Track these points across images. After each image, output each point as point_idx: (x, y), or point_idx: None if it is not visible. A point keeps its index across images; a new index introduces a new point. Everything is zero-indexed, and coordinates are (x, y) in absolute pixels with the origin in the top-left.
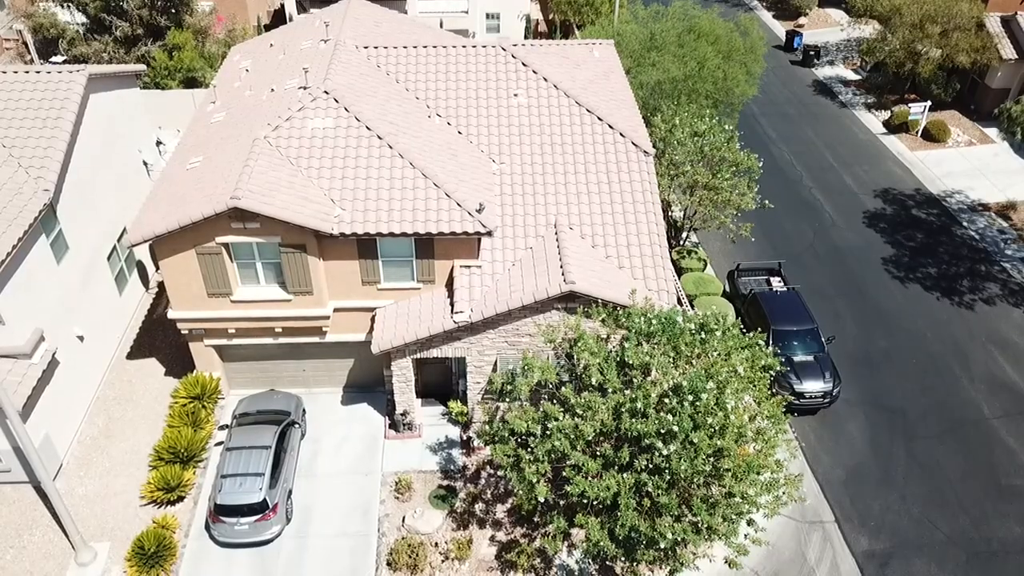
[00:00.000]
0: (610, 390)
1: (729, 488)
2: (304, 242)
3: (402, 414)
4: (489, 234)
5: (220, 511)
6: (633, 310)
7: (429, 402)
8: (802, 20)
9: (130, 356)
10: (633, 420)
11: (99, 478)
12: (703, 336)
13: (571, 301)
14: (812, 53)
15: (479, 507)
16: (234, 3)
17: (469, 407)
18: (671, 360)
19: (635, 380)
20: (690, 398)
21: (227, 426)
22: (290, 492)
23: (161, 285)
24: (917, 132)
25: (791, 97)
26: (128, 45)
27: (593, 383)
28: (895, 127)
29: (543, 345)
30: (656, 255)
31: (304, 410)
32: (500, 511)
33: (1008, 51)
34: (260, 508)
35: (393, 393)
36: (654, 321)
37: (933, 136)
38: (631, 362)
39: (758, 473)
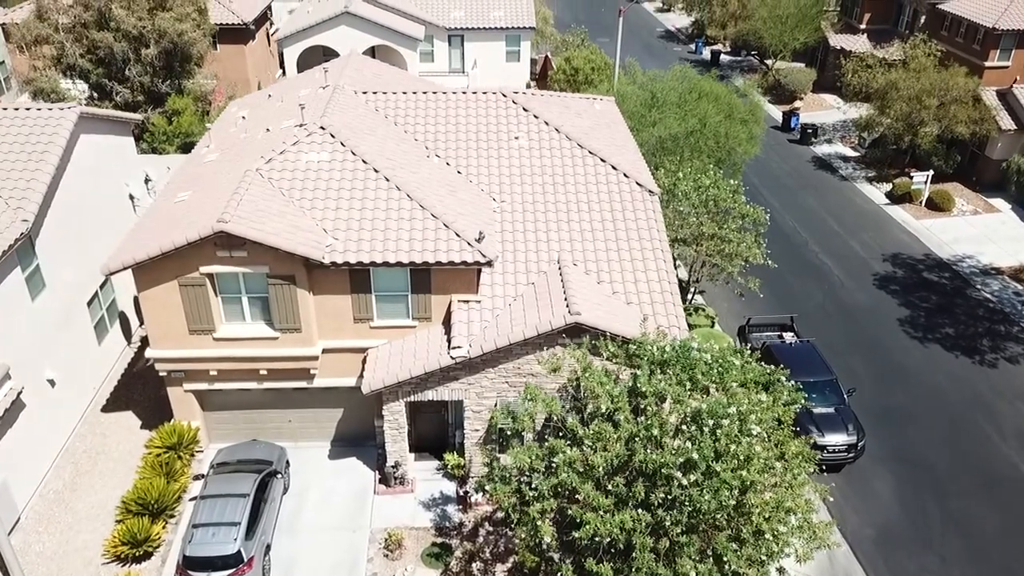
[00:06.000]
0: (621, 418)
1: (757, 525)
2: (293, 273)
3: (393, 466)
4: (489, 264)
5: (189, 564)
6: (644, 339)
7: (423, 456)
8: (797, 103)
9: (106, 409)
10: (648, 451)
11: (60, 534)
12: (721, 366)
13: (577, 335)
14: (810, 131)
15: (477, 566)
16: (235, 74)
17: (466, 459)
18: (686, 390)
19: (649, 409)
20: (710, 423)
21: (203, 475)
22: (268, 547)
23: (144, 340)
24: (921, 202)
25: (791, 171)
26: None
27: (603, 410)
28: (898, 198)
29: (546, 381)
30: (665, 291)
31: (288, 462)
32: (500, 571)
33: (1007, 122)
34: (234, 561)
35: (384, 445)
36: (667, 349)
37: (938, 205)
38: (643, 390)
39: (788, 512)
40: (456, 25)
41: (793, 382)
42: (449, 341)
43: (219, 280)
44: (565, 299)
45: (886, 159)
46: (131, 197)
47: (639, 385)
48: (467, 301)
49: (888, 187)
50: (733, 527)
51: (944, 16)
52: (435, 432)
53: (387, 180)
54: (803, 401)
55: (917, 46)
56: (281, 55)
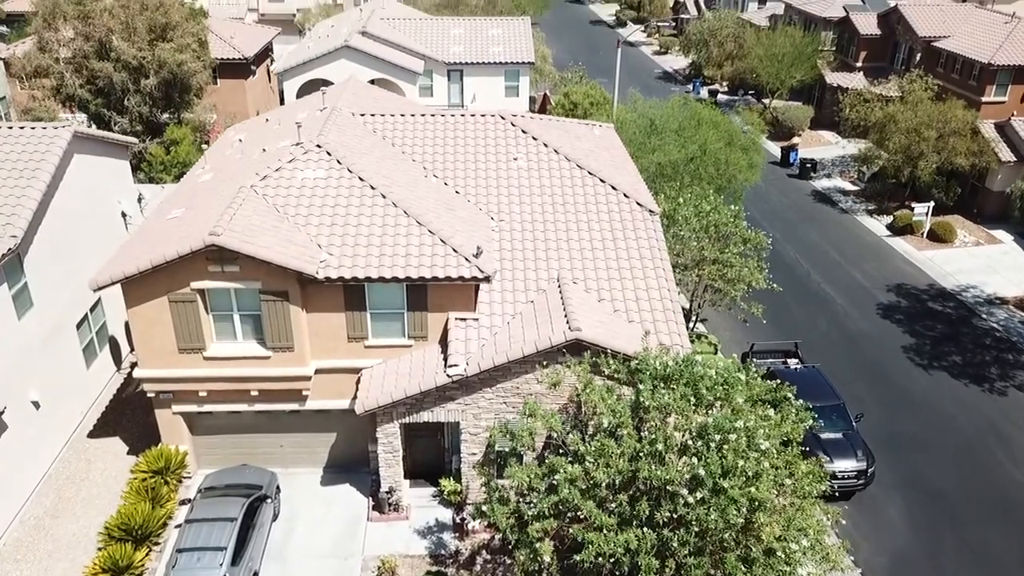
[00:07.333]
0: (624, 433)
1: (768, 544)
2: (287, 289)
3: (387, 492)
4: (487, 280)
5: None
6: (646, 355)
7: (418, 483)
8: (795, 139)
9: (92, 435)
10: (652, 467)
11: (38, 562)
12: (726, 381)
13: (577, 353)
14: (809, 166)
15: None
16: (235, 108)
17: (463, 485)
18: (691, 404)
19: (654, 423)
20: (717, 438)
21: (189, 500)
22: (256, 574)
23: (134, 366)
24: (922, 233)
25: (791, 204)
26: None
27: (605, 425)
28: (899, 230)
29: (546, 401)
30: (667, 309)
31: (278, 487)
32: None
33: (1006, 153)
34: None
35: (378, 470)
36: (671, 363)
37: (940, 237)
38: (647, 404)
39: (800, 532)
40: (455, 60)
41: (800, 403)
42: (446, 360)
43: (210, 296)
44: (565, 316)
45: (886, 192)
46: (123, 215)
47: (642, 399)
48: (465, 319)
49: (889, 219)
50: (742, 547)
51: (939, 53)
52: (431, 457)
53: (383, 197)
54: (811, 421)
55: (914, 81)
56: (281, 91)
